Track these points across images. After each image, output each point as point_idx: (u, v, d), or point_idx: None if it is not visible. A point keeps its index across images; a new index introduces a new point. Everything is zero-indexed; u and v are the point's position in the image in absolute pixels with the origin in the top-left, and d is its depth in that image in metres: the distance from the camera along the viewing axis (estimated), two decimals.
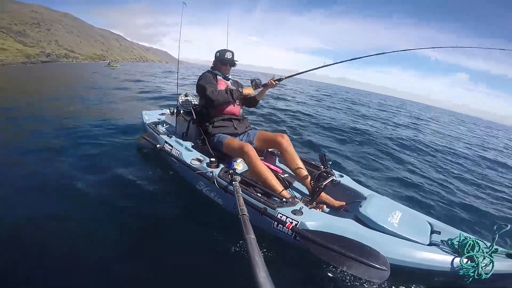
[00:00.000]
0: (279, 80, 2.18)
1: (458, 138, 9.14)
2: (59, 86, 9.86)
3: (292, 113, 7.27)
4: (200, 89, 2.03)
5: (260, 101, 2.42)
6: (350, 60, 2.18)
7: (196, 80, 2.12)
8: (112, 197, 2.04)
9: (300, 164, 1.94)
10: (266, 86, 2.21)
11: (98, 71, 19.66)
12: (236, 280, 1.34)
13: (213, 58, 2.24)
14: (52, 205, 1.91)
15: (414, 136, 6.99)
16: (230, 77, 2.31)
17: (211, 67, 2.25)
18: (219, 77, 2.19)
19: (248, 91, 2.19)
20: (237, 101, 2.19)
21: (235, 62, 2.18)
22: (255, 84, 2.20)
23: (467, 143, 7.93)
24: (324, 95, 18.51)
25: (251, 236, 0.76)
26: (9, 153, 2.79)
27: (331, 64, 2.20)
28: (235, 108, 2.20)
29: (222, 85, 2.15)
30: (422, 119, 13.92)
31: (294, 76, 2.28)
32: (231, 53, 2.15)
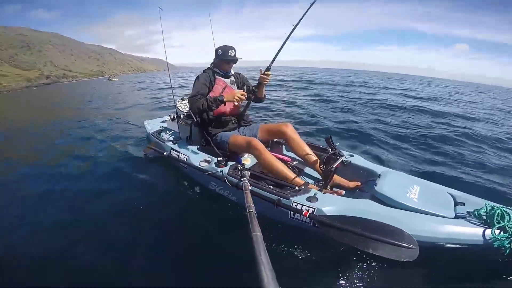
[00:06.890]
0: (267, 69, 1.98)
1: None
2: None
3: None
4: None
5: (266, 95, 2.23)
6: None
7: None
8: (129, 208, 2.04)
9: (308, 150, 1.88)
10: (260, 84, 2.06)
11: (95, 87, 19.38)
12: (248, 278, 1.31)
13: (206, 60, 2.14)
14: (69, 215, 2.00)
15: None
16: (232, 72, 2.19)
17: (212, 64, 2.13)
18: (217, 77, 2.06)
19: (230, 98, 1.92)
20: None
21: (238, 59, 2.04)
22: (249, 89, 2.12)
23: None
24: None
25: (258, 234, 0.72)
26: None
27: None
28: (233, 109, 2.12)
29: (220, 85, 2.05)
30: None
31: (276, 58, 2.00)
32: (234, 50, 2.00)
